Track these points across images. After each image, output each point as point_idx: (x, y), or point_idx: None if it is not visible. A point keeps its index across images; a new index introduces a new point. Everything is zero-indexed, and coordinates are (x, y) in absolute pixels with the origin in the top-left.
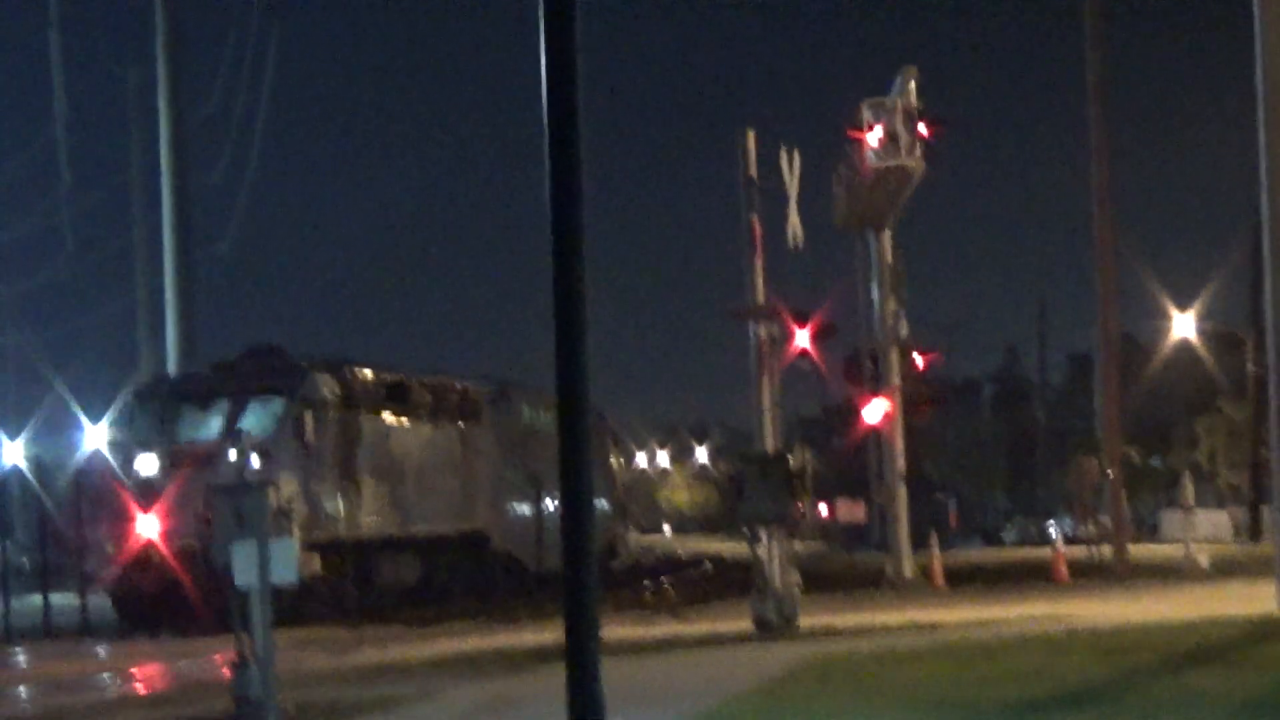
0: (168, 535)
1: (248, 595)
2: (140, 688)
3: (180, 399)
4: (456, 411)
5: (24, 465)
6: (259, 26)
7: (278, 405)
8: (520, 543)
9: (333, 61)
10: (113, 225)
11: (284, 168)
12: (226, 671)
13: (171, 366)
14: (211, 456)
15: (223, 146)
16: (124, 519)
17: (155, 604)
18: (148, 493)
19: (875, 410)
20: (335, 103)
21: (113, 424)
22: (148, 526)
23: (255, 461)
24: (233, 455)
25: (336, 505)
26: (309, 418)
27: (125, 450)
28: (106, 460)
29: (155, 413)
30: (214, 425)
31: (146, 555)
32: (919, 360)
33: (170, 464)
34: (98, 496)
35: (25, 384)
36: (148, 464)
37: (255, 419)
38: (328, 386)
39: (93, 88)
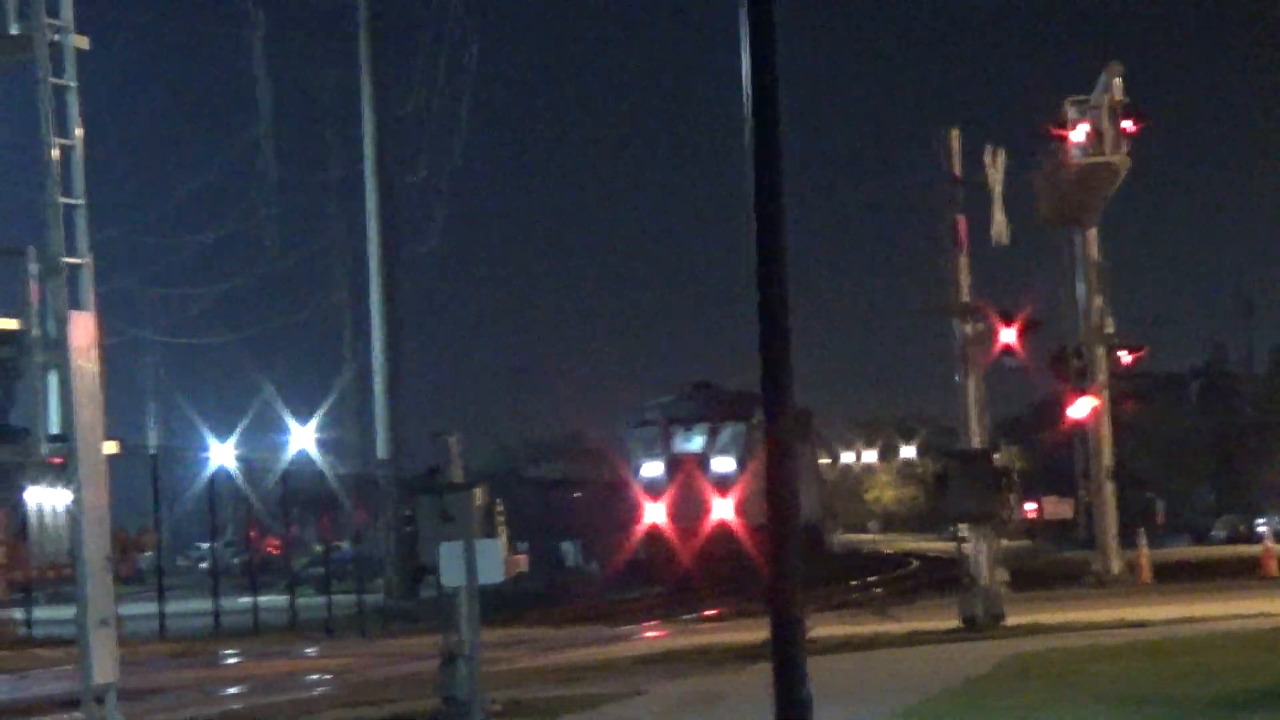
0: (672, 519)
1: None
2: (347, 686)
3: (671, 422)
4: (802, 432)
5: (234, 467)
6: (460, 24)
7: (741, 427)
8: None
9: (535, 64)
10: (317, 225)
11: (490, 168)
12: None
13: (376, 367)
14: (699, 462)
15: (427, 146)
16: (635, 509)
17: (659, 572)
18: (654, 489)
19: (1082, 407)
20: (541, 104)
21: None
22: (655, 514)
23: (731, 466)
24: (714, 462)
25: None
26: (758, 436)
27: (635, 459)
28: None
29: (654, 433)
30: (697, 441)
31: (654, 535)
32: (1125, 356)
33: (669, 468)
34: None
35: (234, 386)
36: (653, 469)
37: (727, 436)
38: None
39: (295, 88)
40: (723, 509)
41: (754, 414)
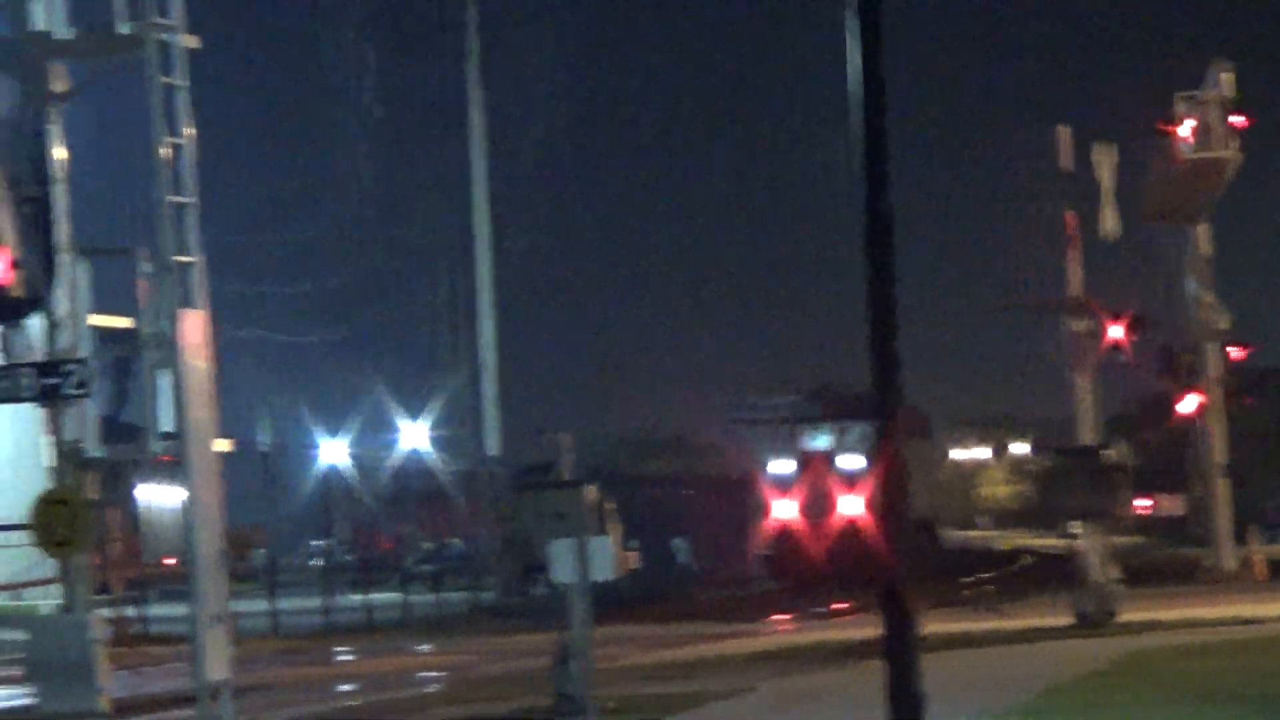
0: (802, 515)
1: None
2: (459, 683)
3: (798, 421)
4: (918, 430)
5: (346, 464)
6: (563, 25)
7: (865, 428)
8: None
9: (642, 62)
10: (426, 220)
11: (597, 164)
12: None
13: (485, 364)
14: (827, 459)
15: (532, 143)
16: (760, 505)
17: (787, 567)
18: (783, 485)
19: (1190, 403)
20: (652, 101)
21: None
22: (785, 510)
23: (860, 463)
24: (841, 459)
25: None
26: None
27: (761, 456)
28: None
29: (783, 431)
30: (824, 439)
31: (783, 531)
32: (1235, 351)
33: (799, 465)
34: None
35: (345, 384)
36: (782, 466)
37: (853, 435)
38: None
39: (402, 82)
40: (850, 505)
41: None
